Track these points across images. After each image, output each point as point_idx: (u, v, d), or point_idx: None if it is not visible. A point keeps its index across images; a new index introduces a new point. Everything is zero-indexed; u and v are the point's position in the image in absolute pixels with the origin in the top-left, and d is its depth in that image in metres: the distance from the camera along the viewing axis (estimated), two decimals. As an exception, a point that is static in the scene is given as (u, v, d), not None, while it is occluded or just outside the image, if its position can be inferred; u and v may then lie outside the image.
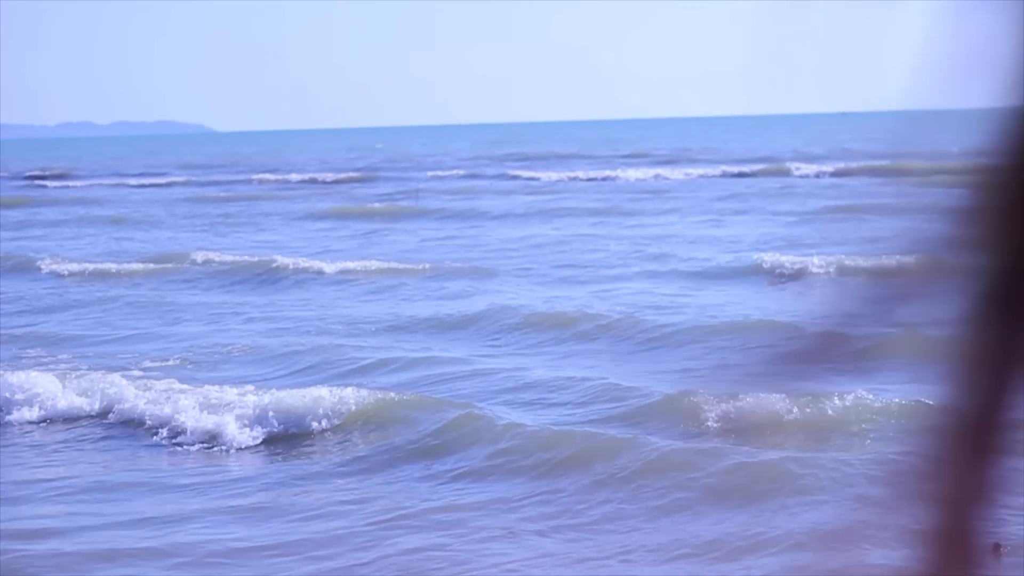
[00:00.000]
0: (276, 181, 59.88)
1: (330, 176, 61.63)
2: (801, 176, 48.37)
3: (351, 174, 62.92)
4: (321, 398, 13.06)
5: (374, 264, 24.77)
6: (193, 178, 64.03)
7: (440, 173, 60.40)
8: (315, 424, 12.53)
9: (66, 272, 25.69)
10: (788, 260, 21.63)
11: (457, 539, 9.04)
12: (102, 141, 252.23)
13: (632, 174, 53.04)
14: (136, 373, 15.30)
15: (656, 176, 51.46)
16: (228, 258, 26.37)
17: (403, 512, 9.71)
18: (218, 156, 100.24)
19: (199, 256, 26.74)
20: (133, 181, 63.81)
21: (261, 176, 63.11)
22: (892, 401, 11.55)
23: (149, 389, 14.03)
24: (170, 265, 26.06)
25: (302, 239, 32.27)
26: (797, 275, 20.83)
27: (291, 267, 24.67)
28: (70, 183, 64.77)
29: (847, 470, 9.90)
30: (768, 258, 22.00)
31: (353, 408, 12.69)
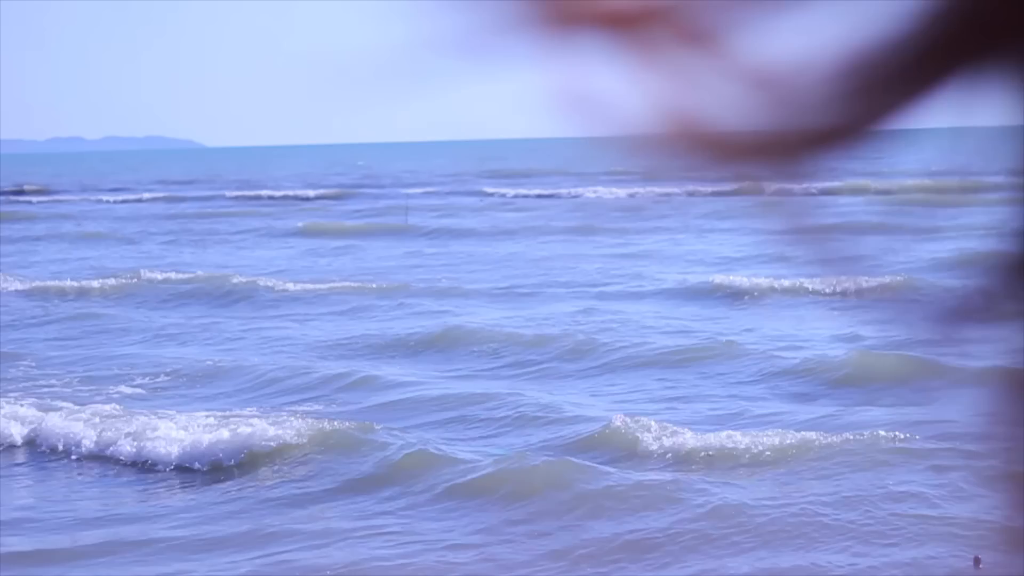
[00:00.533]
0: (253, 197, 59.65)
1: (310, 192, 61.42)
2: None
3: (328, 191, 62.76)
4: (267, 425, 12.73)
5: (344, 283, 24.46)
6: (171, 194, 63.83)
7: (416, 190, 60.14)
8: (260, 451, 12.15)
9: (13, 289, 25.22)
10: (753, 281, 21.17)
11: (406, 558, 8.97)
12: (90, 156, 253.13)
13: (612, 191, 52.73)
14: (78, 396, 14.97)
15: (632, 195, 51.12)
16: (188, 276, 25.95)
17: (355, 535, 9.61)
18: (202, 171, 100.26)
19: (158, 274, 26.31)
20: (109, 197, 63.72)
21: (238, 193, 62.92)
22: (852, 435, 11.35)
23: (87, 415, 13.60)
24: (118, 282, 25.60)
25: (272, 257, 31.92)
26: (759, 296, 20.47)
27: (249, 285, 24.25)
28: (47, 199, 64.80)
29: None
30: (728, 279, 21.57)
31: (303, 435, 12.36)
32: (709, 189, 50.46)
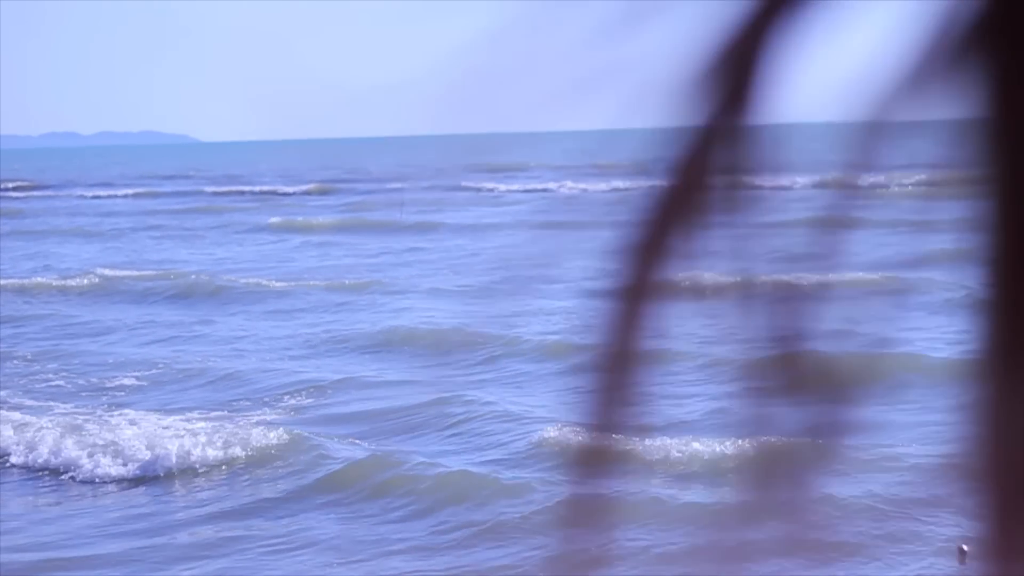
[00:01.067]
0: (234, 193, 59.53)
1: (294, 188, 61.25)
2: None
3: (312, 186, 62.59)
4: (214, 432, 12.51)
5: (315, 281, 24.17)
6: (151, 189, 63.79)
7: (398, 184, 59.97)
8: (203, 461, 11.88)
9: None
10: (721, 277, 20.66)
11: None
12: (83, 152, 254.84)
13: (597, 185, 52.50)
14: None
15: (615, 189, 50.85)
16: (150, 273, 25.66)
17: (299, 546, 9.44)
18: (190, 167, 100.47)
19: (120, 272, 25.99)
20: (88, 192, 63.81)
21: (219, 188, 62.83)
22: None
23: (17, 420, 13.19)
24: (79, 281, 25.18)
25: (242, 253, 31.62)
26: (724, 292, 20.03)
27: (211, 281, 23.98)
28: (22, 194, 64.87)
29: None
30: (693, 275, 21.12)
31: (255, 441, 12.11)
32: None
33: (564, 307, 19.56)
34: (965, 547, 8.21)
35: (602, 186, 52.86)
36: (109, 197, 60.10)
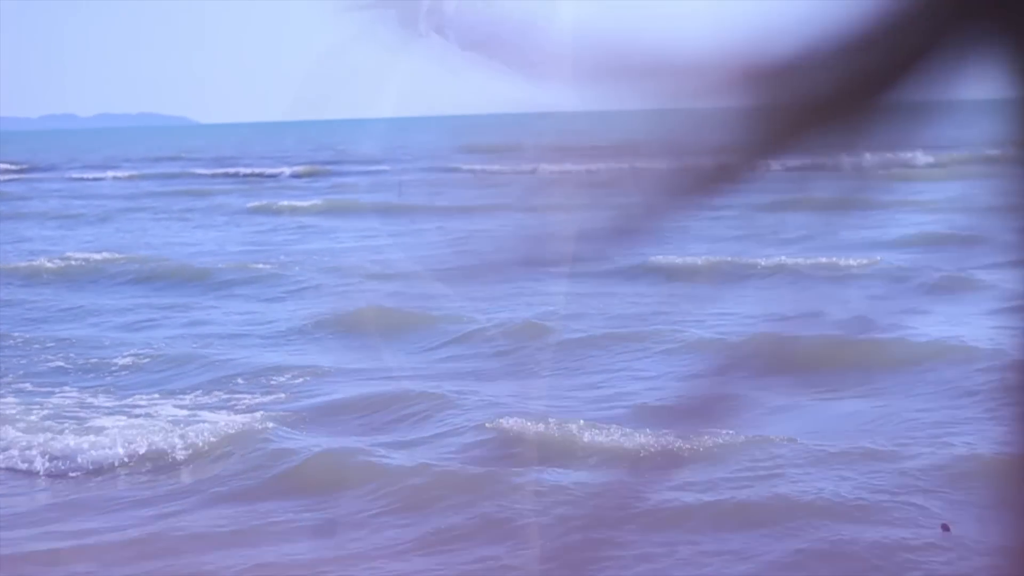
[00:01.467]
0: (221, 175, 59.39)
1: (286, 169, 61.06)
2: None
3: (302, 167, 62.47)
4: (168, 424, 12.16)
5: (292, 263, 24.02)
6: (140, 172, 63.69)
7: (383, 167, 59.79)
8: (151, 453, 11.44)
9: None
10: (681, 260, 20.41)
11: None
12: (80, 134, 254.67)
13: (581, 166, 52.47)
14: None
15: (594, 170, 50.79)
16: (122, 256, 25.49)
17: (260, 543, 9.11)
18: (184, 149, 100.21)
19: (92, 255, 25.80)
20: (76, 174, 63.75)
21: (208, 171, 62.74)
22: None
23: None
24: (48, 264, 24.97)
25: (227, 236, 31.43)
26: (696, 275, 19.85)
27: (183, 266, 23.79)
28: (18, 177, 64.65)
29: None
30: (666, 259, 20.89)
31: (214, 435, 11.73)
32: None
33: (545, 291, 19.41)
34: (948, 525, 8.21)
35: (587, 167, 52.73)
36: (95, 180, 60.00)
